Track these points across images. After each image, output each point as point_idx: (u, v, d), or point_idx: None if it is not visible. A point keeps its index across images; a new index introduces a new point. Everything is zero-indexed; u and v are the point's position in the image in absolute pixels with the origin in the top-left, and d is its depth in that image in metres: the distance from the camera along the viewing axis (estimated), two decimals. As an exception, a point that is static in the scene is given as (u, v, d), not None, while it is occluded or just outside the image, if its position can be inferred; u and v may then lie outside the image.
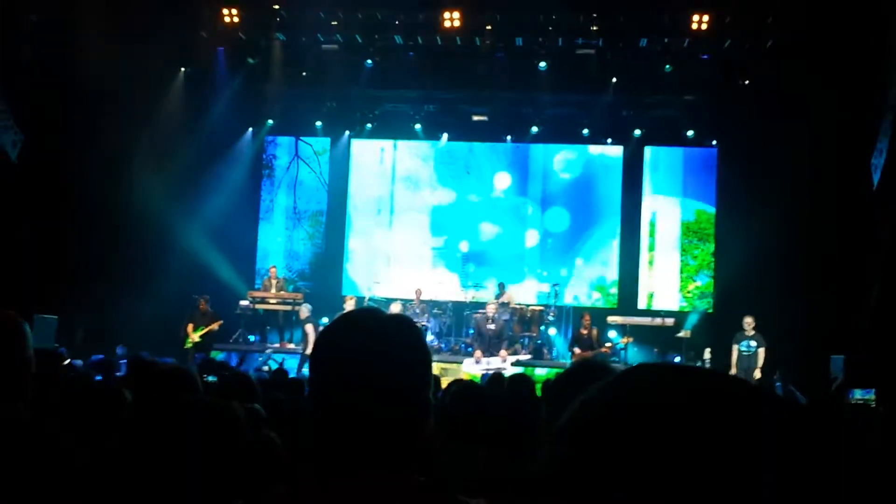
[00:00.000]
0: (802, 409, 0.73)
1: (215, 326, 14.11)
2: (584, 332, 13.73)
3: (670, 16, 14.49)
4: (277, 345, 14.87)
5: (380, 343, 1.51)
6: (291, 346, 14.80)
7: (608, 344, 13.92)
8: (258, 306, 15.34)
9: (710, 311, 15.84)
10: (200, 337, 13.94)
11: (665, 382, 0.73)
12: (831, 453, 0.70)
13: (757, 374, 12.92)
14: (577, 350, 13.61)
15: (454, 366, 13.67)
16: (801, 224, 13.71)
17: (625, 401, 0.72)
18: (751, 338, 13.11)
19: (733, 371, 13.15)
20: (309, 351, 13.77)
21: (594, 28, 14.83)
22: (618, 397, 0.73)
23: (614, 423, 0.71)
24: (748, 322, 13.13)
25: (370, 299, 15.33)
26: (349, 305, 14.31)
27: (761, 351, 12.99)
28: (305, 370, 12.29)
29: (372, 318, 1.58)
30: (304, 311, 14.17)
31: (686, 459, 0.68)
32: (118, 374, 7.06)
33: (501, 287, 15.71)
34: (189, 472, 1.87)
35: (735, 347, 13.19)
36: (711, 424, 0.69)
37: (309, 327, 13.90)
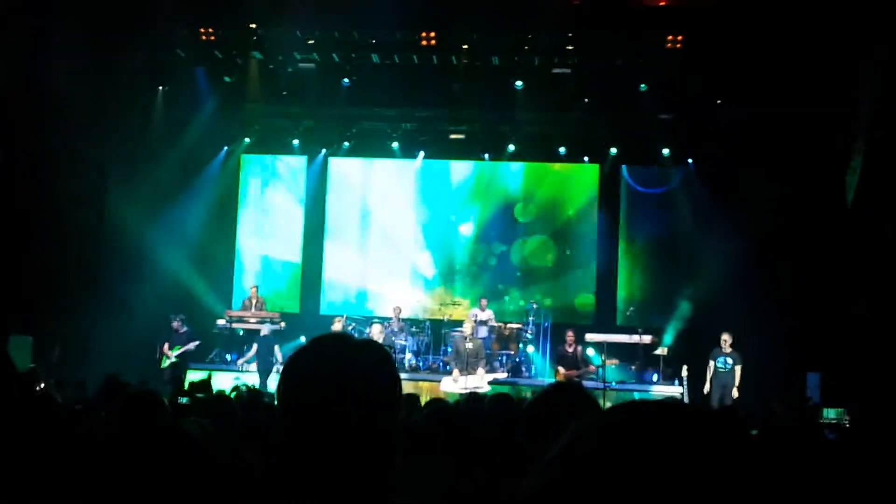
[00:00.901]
0: (784, 442, 0.75)
1: (192, 346, 14.02)
2: (569, 349, 13.67)
3: (645, 36, 14.63)
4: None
5: (345, 372, 1.52)
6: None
7: (592, 366, 13.80)
8: (236, 325, 15.25)
9: (688, 328, 15.90)
10: (177, 357, 13.86)
11: (658, 422, 0.74)
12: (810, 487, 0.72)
13: (735, 392, 12.99)
14: (561, 369, 13.54)
15: (432, 384, 13.64)
16: (776, 241, 13.83)
17: (617, 438, 0.73)
18: (727, 354, 13.20)
19: (708, 387, 13.23)
20: (242, 363, 14.07)
21: (570, 48, 14.95)
22: (611, 434, 0.74)
23: (606, 459, 0.72)
24: (725, 339, 13.23)
25: (348, 318, 15.28)
26: (337, 326, 14.30)
27: (737, 368, 13.09)
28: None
29: (339, 347, 1.59)
30: (265, 329, 14.35)
31: (673, 496, 0.69)
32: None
33: (482, 304, 15.71)
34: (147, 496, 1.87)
35: (712, 363, 13.28)
36: (698, 465, 0.70)
37: (255, 345, 14.19)
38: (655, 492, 0.71)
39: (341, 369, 1.52)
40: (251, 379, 13.29)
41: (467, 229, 17.57)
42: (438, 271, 17.48)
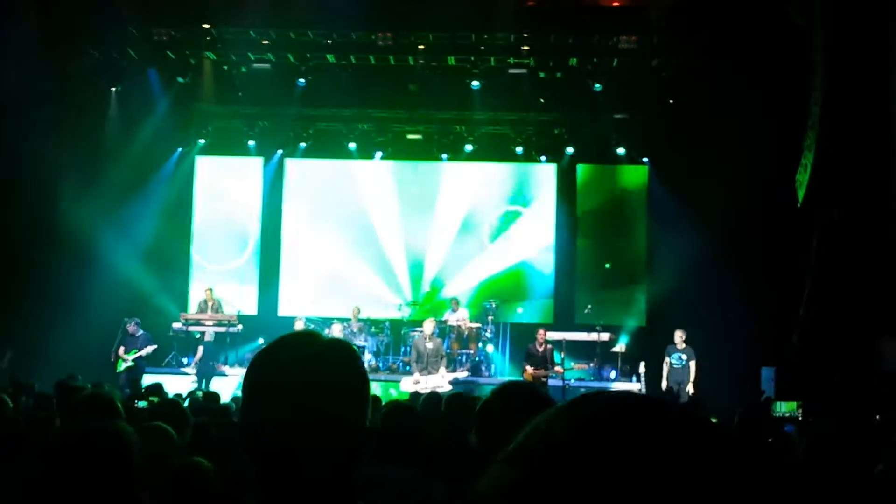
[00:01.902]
0: (743, 439, 0.75)
1: (148, 350, 13.82)
2: (539, 348, 13.62)
3: (599, 36, 14.77)
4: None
5: (316, 371, 1.47)
6: (226, 368, 14.57)
7: (558, 368, 13.77)
8: (192, 328, 15.07)
9: (645, 325, 16.07)
10: (133, 360, 13.66)
11: (617, 413, 0.73)
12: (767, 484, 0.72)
13: (690, 388, 13.18)
14: (529, 368, 13.50)
15: (393, 385, 13.62)
16: (731, 238, 14.03)
17: (578, 429, 0.72)
18: (682, 351, 13.40)
19: (665, 383, 13.41)
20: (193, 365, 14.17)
21: (525, 48, 15.03)
22: (571, 425, 0.73)
23: (566, 450, 0.71)
24: (679, 335, 13.45)
25: (307, 319, 15.19)
26: (298, 327, 14.24)
27: (692, 364, 13.30)
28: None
29: (309, 344, 1.53)
30: (209, 334, 14.58)
31: (634, 490, 0.68)
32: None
33: (455, 304, 15.70)
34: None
35: (667, 360, 13.48)
36: (658, 457, 0.69)
37: (200, 348, 14.36)
38: (633, 483, 0.70)
39: (311, 365, 1.47)
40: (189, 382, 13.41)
41: (425, 228, 17.53)
42: (399, 270, 17.43)
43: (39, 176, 13.59)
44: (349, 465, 1.48)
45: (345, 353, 1.54)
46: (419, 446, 3.41)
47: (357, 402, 1.51)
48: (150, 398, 5.37)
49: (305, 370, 1.47)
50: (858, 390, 9.97)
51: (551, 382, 13.39)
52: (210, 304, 15.52)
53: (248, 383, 1.52)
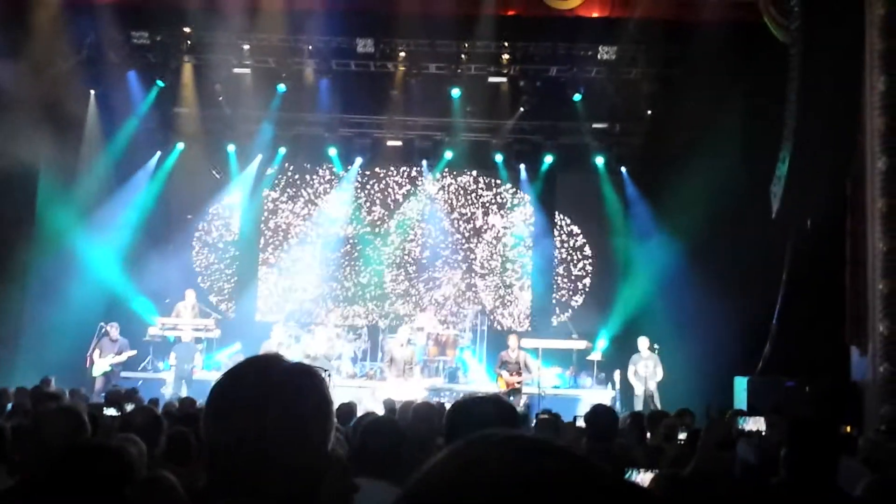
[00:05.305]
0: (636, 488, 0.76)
1: (123, 358, 13.71)
2: (512, 354, 13.66)
3: (579, 47, 14.87)
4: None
5: (276, 397, 1.49)
6: (203, 372, 14.49)
7: (535, 372, 13.80)
8: (168, 333, 14.99)
9: (621, 333, 16.13)
10: (110, 365, 13.56)
11: (494, 466, 0.74)
12: None
13: (652, 385, 13.28)
14: (504, 374, 13.56)
15: (368, 392, 13.61)
16: (706, 248, 14.12)
17: (454, 484, 0.74)
18: (647, 358, 13.50)
19: (641, 389, 13.45)
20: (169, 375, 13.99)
21: (506, 57, 15.11)
22: (449, 480, 0.74)
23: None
24: (644, 343, 13.55)
25: (285, 324, 15.17)
26: (276, 333, 14.24)
27: (658, 369, 13.40)
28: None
29: (270, 370, 1.55)
30: (184, 336, 14.50)
31: None
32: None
33: (421, 311, 15.71)
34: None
35: (633, 368, 13.56)
36: None
37: (172, 355, 14.24)
38: None
39: (271, 392, 1.49)
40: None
41: (405, 235, 17.57)
42: (376, 278, 17.45)
43: (17, 177, 13.50)
44: (312, 487, 1.51)
45: (306, 379, 1.55)
46: (400, 460, 3.43)
47: (319, 425, 1.53)
48: (124, 405, 5.36)
49: (266, 396, 1.49)
50: (828, 400, 10.10)
51: (527, 389, 13.43)
52: (191, 306, 15.43)
53: (210, 408, 1.54)
